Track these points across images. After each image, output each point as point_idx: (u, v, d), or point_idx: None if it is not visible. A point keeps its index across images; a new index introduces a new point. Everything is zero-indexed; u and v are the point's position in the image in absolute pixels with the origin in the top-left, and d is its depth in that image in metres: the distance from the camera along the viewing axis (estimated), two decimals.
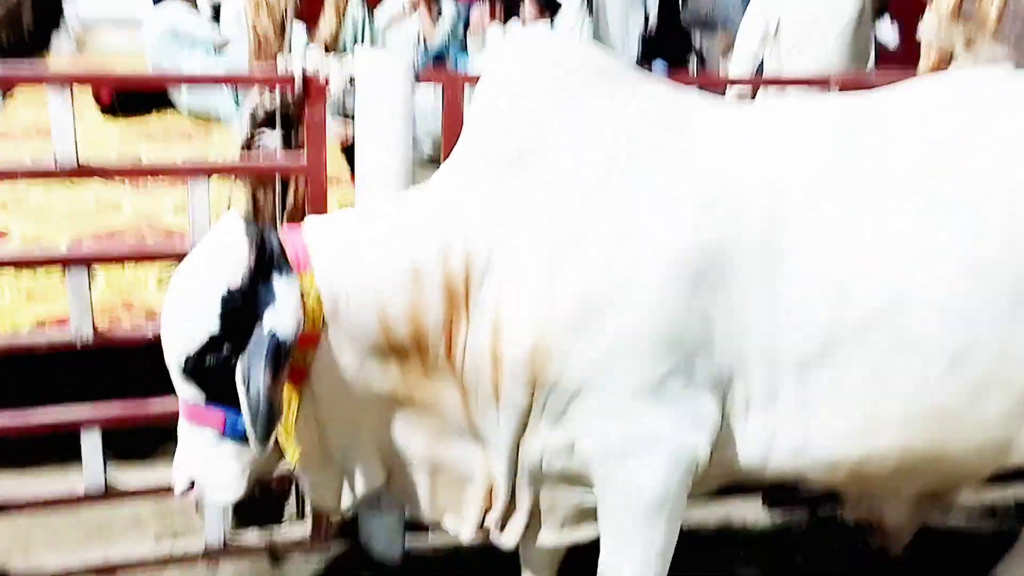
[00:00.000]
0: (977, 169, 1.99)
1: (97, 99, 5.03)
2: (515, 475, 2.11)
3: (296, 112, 2.45)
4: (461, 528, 2.23)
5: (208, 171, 2.43)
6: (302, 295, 1.91)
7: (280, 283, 1.90)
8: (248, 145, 2.53)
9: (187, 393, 1.95)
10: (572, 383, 1.96)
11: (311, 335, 1.95)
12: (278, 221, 2.56)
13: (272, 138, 2.48)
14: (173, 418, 2.01)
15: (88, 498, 2.62)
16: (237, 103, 4.42)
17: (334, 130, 4.12)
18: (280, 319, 1.87)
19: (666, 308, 1.91)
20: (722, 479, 2.19)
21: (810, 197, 1.98)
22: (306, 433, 2.07)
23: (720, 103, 2.20)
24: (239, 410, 1.86)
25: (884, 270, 1.95)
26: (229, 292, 1.86)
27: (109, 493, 2.62)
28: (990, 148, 2.00)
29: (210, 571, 2.80)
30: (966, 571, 2.81)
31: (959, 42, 2.66)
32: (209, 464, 1.99)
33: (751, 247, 1.94)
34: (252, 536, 2.84)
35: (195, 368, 1.90)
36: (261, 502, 2.81)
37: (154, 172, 2.89)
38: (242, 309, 1.87)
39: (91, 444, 2.55)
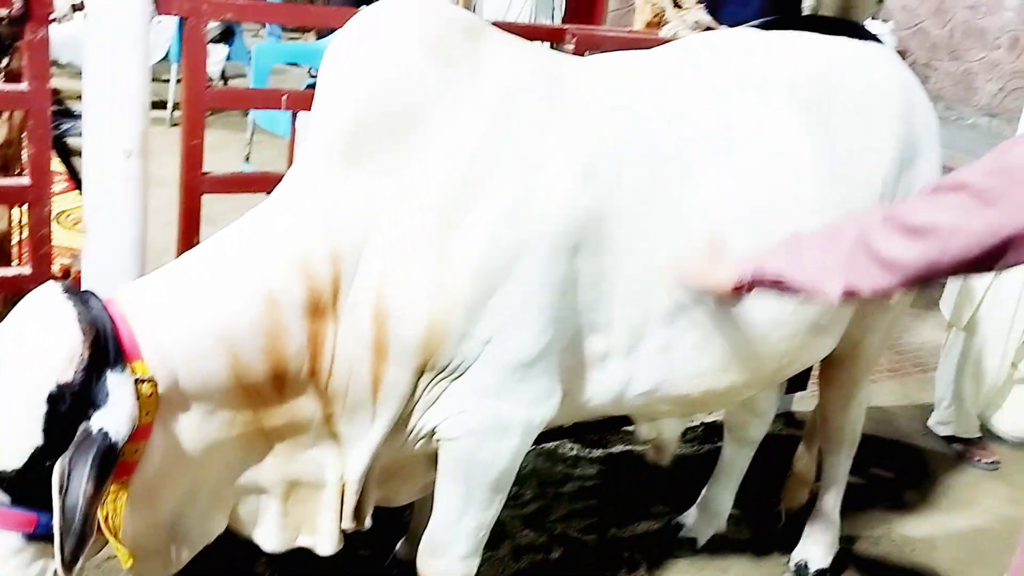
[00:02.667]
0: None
1: None
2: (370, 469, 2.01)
3: (11, 33, 2.14)
4: (320, 541, 2.09)
5: None
6: (137, 387, 1.67)
7: (114, 379, 1.64)
8: None
9: None
10: (460, 363, 1.90)
11: (144, 428, 1.71)
12: None
13: None
14: None
15: None
16: None
17: None
18: (113, 422, 1.61)
19: (552, 280, 1.90)
20: (567, 419, 2.26)
21: (682, 153, 2.06)
22: (132, 524, 1.79)
23: (581, 60, 2.21)
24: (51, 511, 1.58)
25: (747, 216, 2.09)
26: (58, 390, 1.59)
27: None
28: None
29: None
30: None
31: (668, 3, 2.87)
32: (8, 570, 1.68)
33: (629, 211, 1.98)
34: None
35: (7, 480, 1.62)
36: None
37: None
38: (70, 412, 1.60)
39: None
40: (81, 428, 1.60)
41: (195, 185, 2.37)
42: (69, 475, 1.56)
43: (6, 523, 1.66)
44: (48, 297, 1.69)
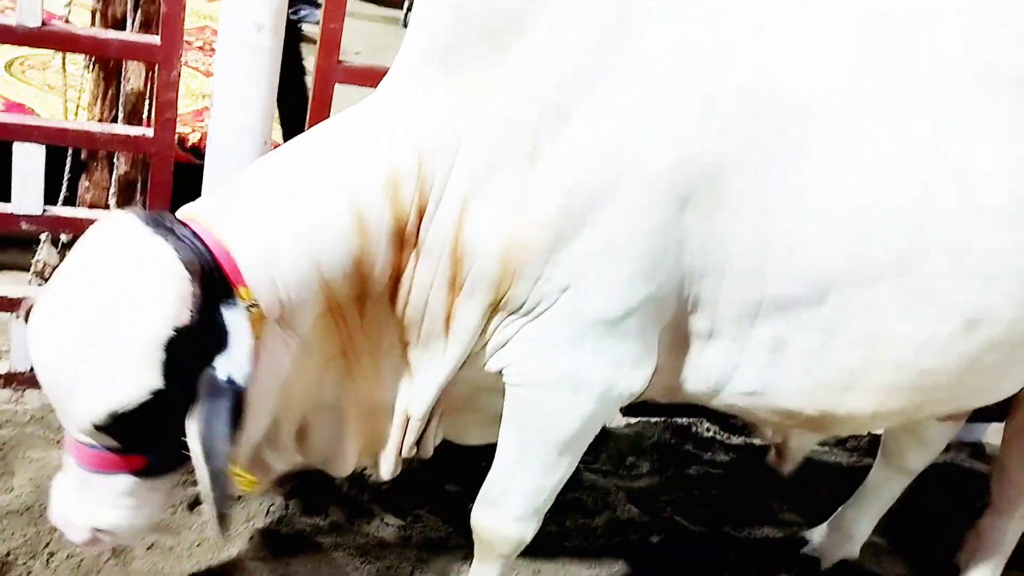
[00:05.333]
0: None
1: None
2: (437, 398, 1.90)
3: None
4: (382, 464, 2.02)
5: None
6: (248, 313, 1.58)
7: (228, 315, 1.54)
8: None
9: (92, 441, 1.60)
10: (534, 306, 1.73)
11: (254, 351, 1.61)
12: (129, 13, 2.20)
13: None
14: None
15: None
16: None
17: None
18: (237, 366, 1.53)
19: (651, 230, 1.67)
20: (662, 396, 2.01)
21: (832, 107, 1.70)
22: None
23: None
24: (163, 450, 1.57)
25: (912, 214, 1.71)
26: (174, 337, 1.49)
27: None
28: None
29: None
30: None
31: None
32: (122, 508, 1.68)
33: (756, 169, 1.68)
34: None
35: (122, 425, 1.54)
36: None
37: None
38: (189, 354, 1.51)
39: None
40: (207, 378, 1.52)
41: (329, 72, 2.23)
42: (210, 437, 1.50)
43: (119, 466, 1.63)
44: (134, 231, 1.57)
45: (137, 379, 1.50)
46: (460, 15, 1.64)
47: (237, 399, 1.53)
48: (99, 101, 2.40)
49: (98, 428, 1.55)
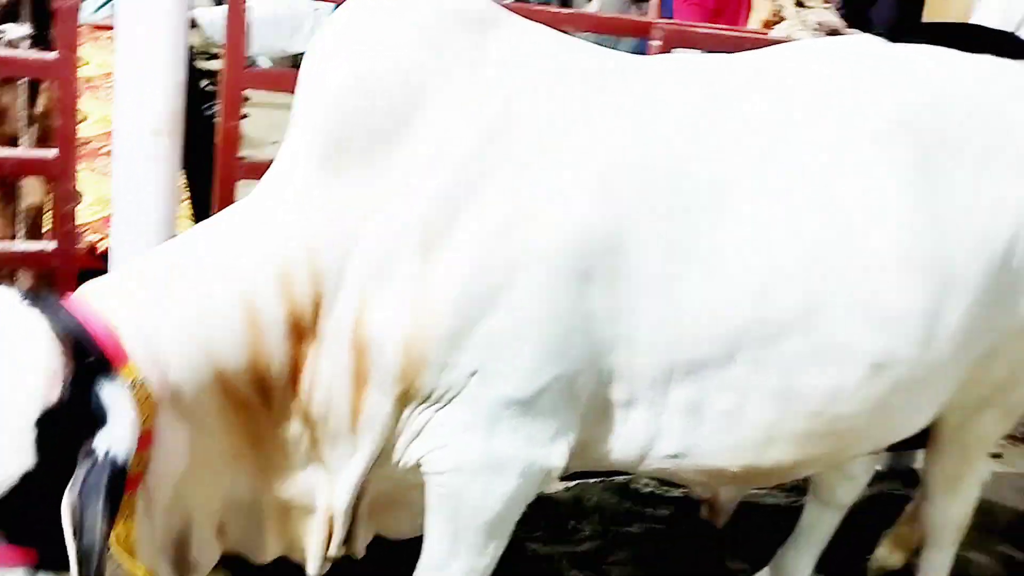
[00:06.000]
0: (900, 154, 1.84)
1: None
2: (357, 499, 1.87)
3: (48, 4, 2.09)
4: (308, 563, 1.95)
5: None
6: (132, 391, 1.52)
7: (108, 391, 1.48)
8: None
9: None
10: (443, 393, 1.72)
11: (145, 435, 1.56)
12: (24, 130, 2.20)
13: (17, 31, 2.11)
14: None
15: None
16: None
17: None
18: (116, 437, 1.46)
19: (555, 311, 1.68)
20: (590, 467, 2.01)
21: (725, 180, 1.76)
22: (142, 543, 1.68)
23: (620, 58, 1.91)
24: (56, 543, 1.45)
25: (807, 269, 1.78)
26: (46, 414, 1.43)
27: None
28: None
29: None
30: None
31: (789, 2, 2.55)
32: None
33: (653, 243, 1.71)
34: None
35: None
36: None
37: None
38: (64, 432, 1.44)
39: None
40: (83, 453, 1.45)
41: (230, 170, 2.25)
42: (82, 513, 1.42)
43: (10, 560, 1.51)
44: (10, 307, 1.53)
45: (7, 461, 1.43)
46: (347, 113, 1.66)
47: (115, 475, 1.45)
48: None
49: None
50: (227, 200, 2.27)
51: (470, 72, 1.68)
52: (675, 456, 1.89)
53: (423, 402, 1.74)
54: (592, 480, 3.16)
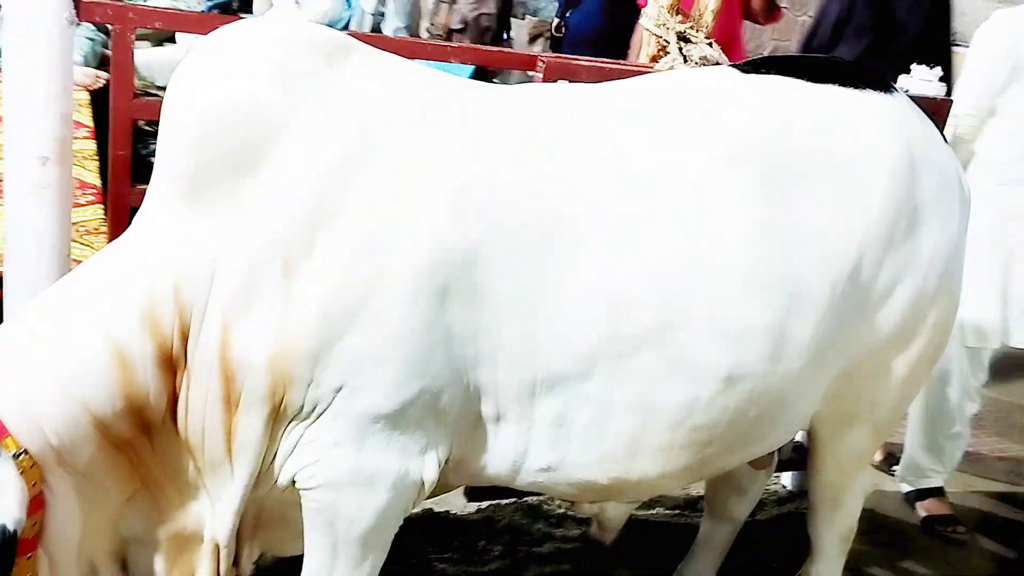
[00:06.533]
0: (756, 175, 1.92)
1: None
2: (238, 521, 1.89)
3: None
4: None
5: None
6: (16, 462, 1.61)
7: None
8: None
9: None
10: (311, 409, 1.76)
11: (35, 500, 1.65)
12: None
13: None
14: None
15: None
16: None
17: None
18: (3, 508, 1.57)
19: (414, 327, 1.73)
20: (469, 482, 2.08)
21: (578, 201, 1.83)
22: None
23: (476, 87, 1.99)
24: None
25: (658, 288, 1.84)
26: None
27: None
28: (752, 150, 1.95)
29: None
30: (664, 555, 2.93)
31: (673, 36, 2.64)
32: None
33: (508, 262, 1.77)
34: None
35: None
36: None
37: None
38: None
39: None
40: None
41: (123, 197, 2.31)
42: None
43: None
44: None
45: None
46: (202, 143, 1.71)
47: (5, 543, 1.55)
48: None
49: None
50: (120, 227, 2.31)
51: (322, 102, 1.74)
52: (546, 470, 1.94)
53: (293, 419, 1.78)
54: (504, 501, 3.19)
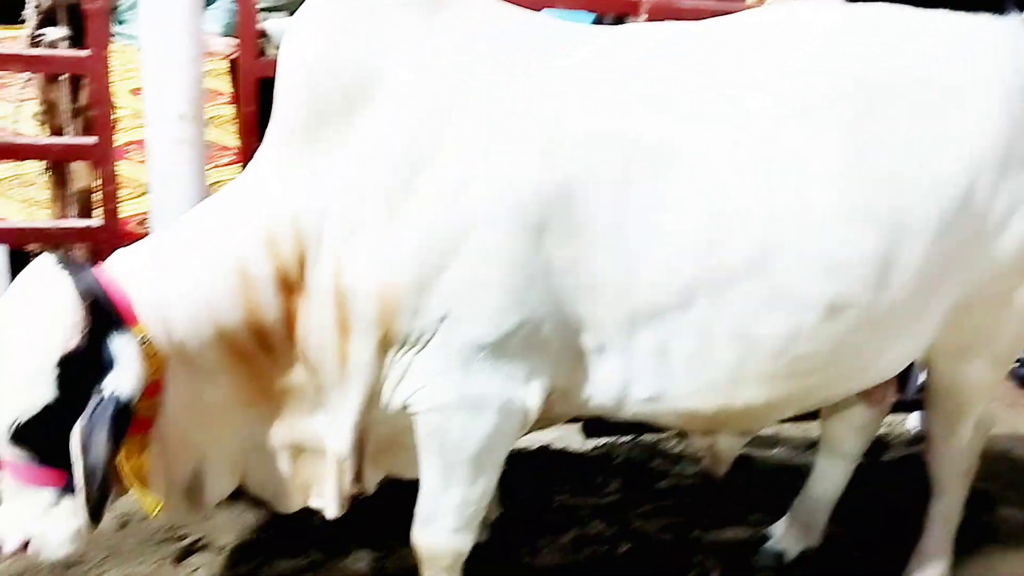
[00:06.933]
0: (846, 111, 1.92)
1: None
2: (359, 440, 2.07)
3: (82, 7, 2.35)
4: (326, 505, 2.19)
5: None
6: (140, 346, 1.82)
7: (118, 342, 1.80)
8: (34, 41, 2.44)
9: (14, 455, 1.84)
10: (417, 339, 1.91)
11: (153, 385, 1.87)
12: (69, 122, 2.48)
13: (56, 33, 2.38)
14: None
15: None
16: None
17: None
18: (121, 381, 1.78)
19: (513, 260, 1.84)
20: (576, 413, 2.19)
21: (671, 139, 1.89)
22: (155, 477, 1.97)
23: (569, 30, 2.06)
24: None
25: (754, 220, 1.89)
26: (66, 357, 1.76)
27: None
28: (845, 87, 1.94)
29: None
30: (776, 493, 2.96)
31: None
32: (44, 522, 1.89)
33: (601, 196, 1.86)
34: None
35: (29, 435, 1.80)
36: None
37: None
38: (80, 373, 1.77)
39: None
40: (95, 392, 1.76)
41: (251, 151, 2.47)
42: (88, 437, 1.73)
43: (38, 479, 1.86)
44: (46, 269, 1.84)
45: (33, 393, 1.76)
46: (311, 93, 1.87)
47: (119, 411, 1.75)
48: (56, 202, 2.68)
49: (11, 440, 1.79)
50: None
51: (417, 53, 1.86)
52: (650, 400, 2.02)
53: (402, 347, 1.92)
54: (621, 439, 3.28)
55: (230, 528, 2.71)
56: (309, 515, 2.51)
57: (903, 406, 3.39)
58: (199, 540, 2.67)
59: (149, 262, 1.93)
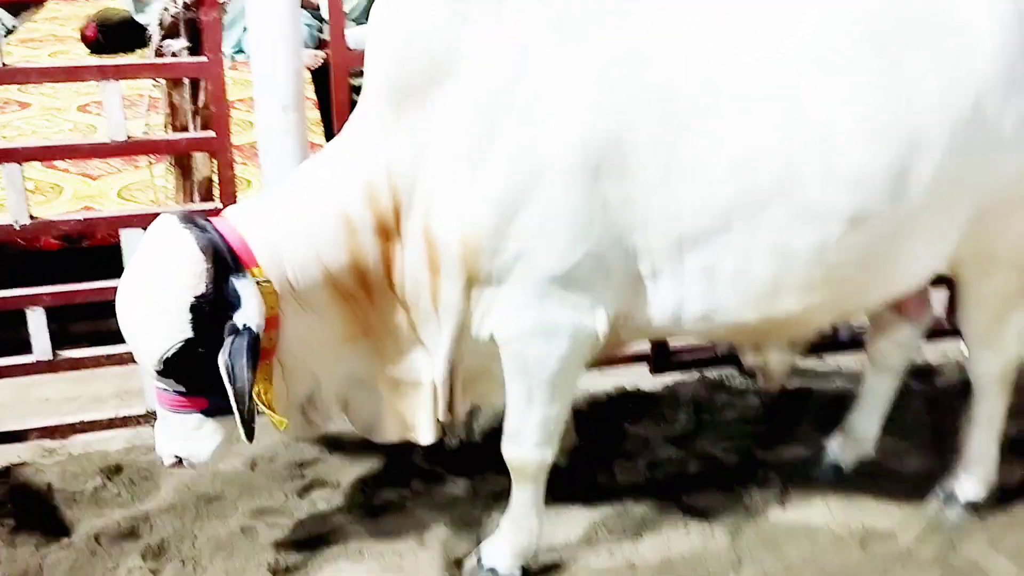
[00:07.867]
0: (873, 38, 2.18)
1: (83, 37, 5.40)
2: (451, 371, 2.34)
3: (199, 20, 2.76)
4: (419, 434, 2.49)
5: (115, 74, 2.72)
6: (259, 287, 2.11)
7: (239, 284, 2.09)
8: (159, 52, 2.85)
9: (164, 385, 2.19)
10: (498, 276, 2.17)
11: (272, 319, 2.15)
12: (191, 119, 2.89)
13: (178, 44, 2.79)
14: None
15: (38, 367, 2.99)
16: None
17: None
18: (249, 315, 2.07)
19: (575, 201, 2.10)
20: (639, 337, 2.51)
21: (708, 86, 2.16)
22: (279, 400, 2.28)
23: None
24: (219, 394, 2.07)
25: (782, 144, 2.14)
26: (197, 300, 2.05)
27: (56, 364, 3.01)
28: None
29: None
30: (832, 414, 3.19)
31: None
32: (195, 440, 2.25)
33: (647, 138, 2.11)
34: None
35: (173, 368, 2.12)
36: None
37: (66, 77, 3.07)
38: (210, 312, 2.06)
39: (37, 321, 2.93)
40: (228, 328, 2.09)
41: None
42: (232, 366, 2.06)
43: (188, 406, 2.23)
44: (169, 227, 2.15)
45: (172, 332, 2.08)
46: (397, 62, 2.14)
47: (251, 339, 2.05)
48: (180, 191, 3.10)
49: (159, 373, 2.14)
50: None
51: (492, 25, 2.14)
52: (703, 317, 2.32)
53: (485, 284, 2.23)
54: (687, 377, 3.58)
55: (344, 467, 3.07)
56: (409, 453, 2.91)
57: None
58: (318, 478, 3.04)
59: (264, 212, 2.24)
